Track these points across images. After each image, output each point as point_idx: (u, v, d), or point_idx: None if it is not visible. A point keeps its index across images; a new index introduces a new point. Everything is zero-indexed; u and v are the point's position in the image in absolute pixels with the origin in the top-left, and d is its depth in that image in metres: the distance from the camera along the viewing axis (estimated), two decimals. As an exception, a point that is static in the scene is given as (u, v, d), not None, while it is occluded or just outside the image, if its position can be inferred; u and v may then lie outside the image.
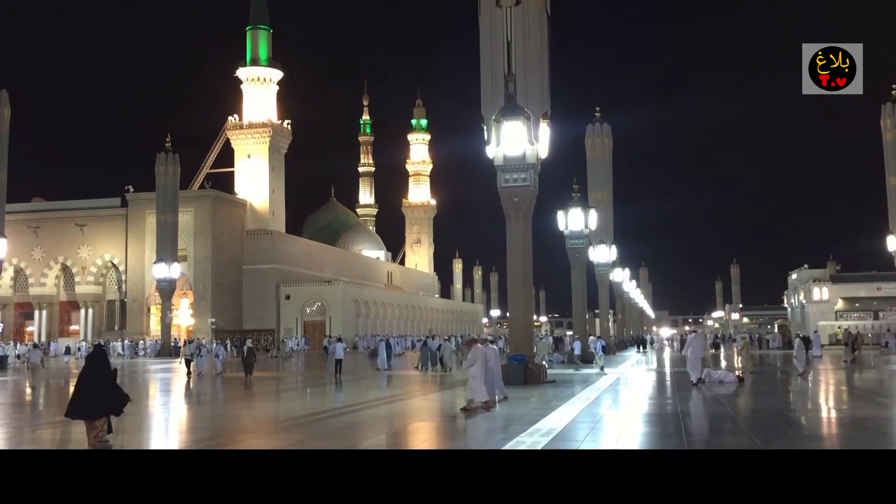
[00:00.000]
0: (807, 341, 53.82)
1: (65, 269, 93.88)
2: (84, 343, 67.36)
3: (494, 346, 19.49)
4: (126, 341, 72.00)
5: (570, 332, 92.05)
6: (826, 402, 21.89)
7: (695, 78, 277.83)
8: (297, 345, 68.90)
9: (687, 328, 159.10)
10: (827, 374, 31.90)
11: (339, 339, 37.91)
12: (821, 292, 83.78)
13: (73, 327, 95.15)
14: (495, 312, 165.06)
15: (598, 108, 57.88)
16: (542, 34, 27.58)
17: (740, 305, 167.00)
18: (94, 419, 11.28)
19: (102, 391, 11.49)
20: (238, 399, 24.52)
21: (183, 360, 36.18)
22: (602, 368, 33.74)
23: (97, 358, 11.96)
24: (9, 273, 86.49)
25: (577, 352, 39.43)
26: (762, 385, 25.90)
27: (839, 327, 71.83)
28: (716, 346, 53.22)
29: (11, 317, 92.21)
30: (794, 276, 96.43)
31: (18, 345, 62.67)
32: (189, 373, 33.27)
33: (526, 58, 26.94)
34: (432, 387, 27.33)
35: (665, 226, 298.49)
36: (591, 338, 41.09)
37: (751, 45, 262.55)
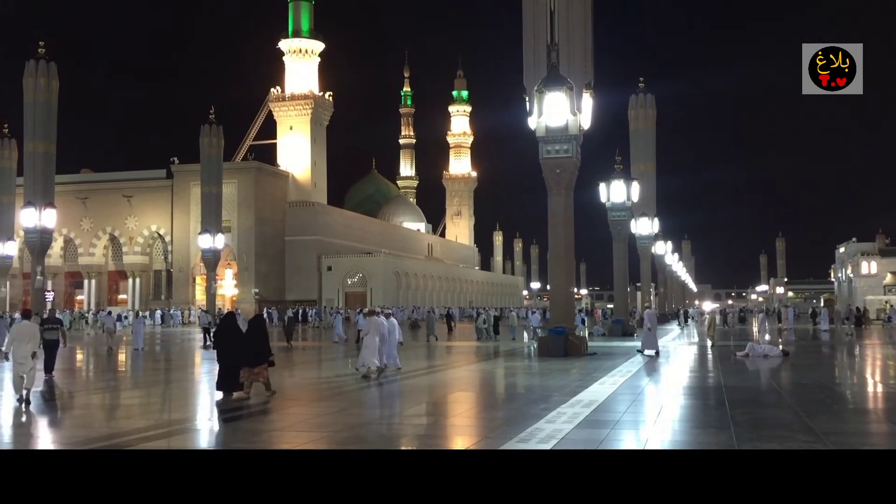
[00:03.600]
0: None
1: (112, 239, 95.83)
2: (129, 312, 68.87)
3: (387, 319, 20.20)
4: (174, 309, 73.61)
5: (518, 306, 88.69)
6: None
7: (741, 47, 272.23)
8: (311, 317, 69.30)
9: (730, 302, 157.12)
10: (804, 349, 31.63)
11: (360, 312, 39.67)
12: (869, 266, 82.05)
13: (122, 296, 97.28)
14: (535, 285, 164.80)
15: (641, 79, 57.14)
16: (585, 3, 27.20)
17: (785, 279, 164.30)
18: (253, 367, 14.79)
19: (261, 345, 15.19)
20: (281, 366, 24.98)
21: (202, 330, 37.58)
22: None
23: (259, 321, 15.99)
24: (58, 243, 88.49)
25: (535, 324, 38.18)
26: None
27: (886, 302, 70.42)
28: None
29: (62, 286, 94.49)
30: (842, 249, 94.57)
31: (67, 312, 64.24)
32: (205, 340, 34.82)
33: (569, 27, 26.62)
34: (466, 358, 27.47)
35: (709, 198, 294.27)
36: (535, 311, 38.93)
37: (797, 16, 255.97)
